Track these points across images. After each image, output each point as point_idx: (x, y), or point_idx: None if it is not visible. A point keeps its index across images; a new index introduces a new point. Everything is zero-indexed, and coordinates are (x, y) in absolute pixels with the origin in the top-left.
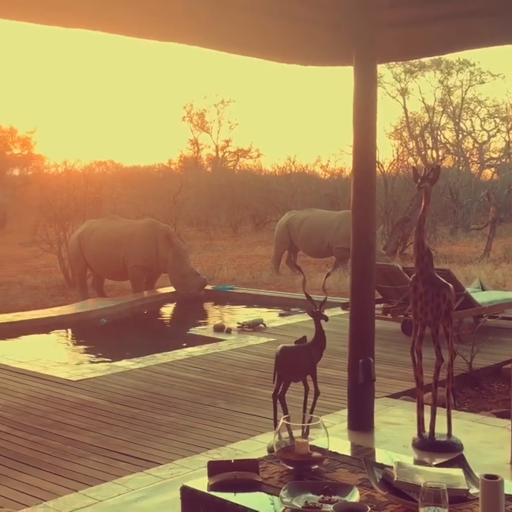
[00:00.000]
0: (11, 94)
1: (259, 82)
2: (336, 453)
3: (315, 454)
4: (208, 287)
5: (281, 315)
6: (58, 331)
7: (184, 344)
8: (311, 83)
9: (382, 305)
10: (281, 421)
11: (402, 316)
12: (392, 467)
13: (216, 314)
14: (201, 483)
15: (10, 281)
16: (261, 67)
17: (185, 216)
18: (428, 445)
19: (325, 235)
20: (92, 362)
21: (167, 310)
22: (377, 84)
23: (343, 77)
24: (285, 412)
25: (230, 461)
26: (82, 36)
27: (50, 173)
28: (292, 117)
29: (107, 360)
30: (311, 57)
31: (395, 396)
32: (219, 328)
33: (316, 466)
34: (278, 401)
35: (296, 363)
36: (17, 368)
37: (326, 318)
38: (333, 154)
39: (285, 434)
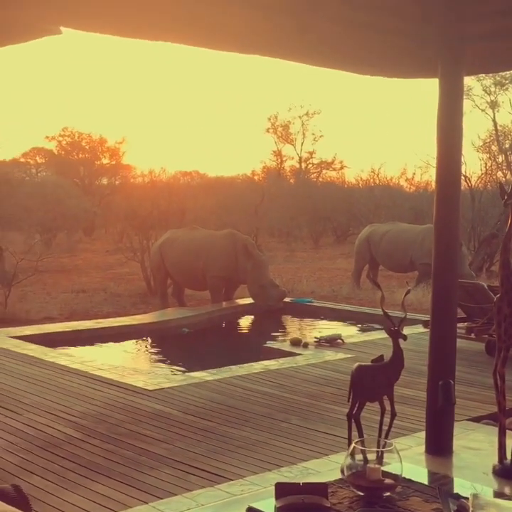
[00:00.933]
0: (101, 104)
1: (345, 93)
2: (409, 480)
3: (387, 480)
4: (287, 299)
5: (360, 330)
6: (137, 339)
7: (260, 357)
8: (398, 94)
9: (465, 324)
10: (352, 444)
11: (486, 336)
12: (468, 498)
13: (293, 327)
14: (268, 504)
15: (95, 288)
16: (347, 77)
17: (267, 227)
18: (509, 473)
19: (408, 250)
20: (168, 371)
21: (245, 321)
22: (463, 97)
23: (430, 87)
24: (359, 432)
25: (299, 483)
26: (169, 48)
27: (137, 183)
28: (377, 129)
29: (183, 370)
30: (396, 69)
31: (476, 420)
32: (296, 342)
33: (388, 494)
34: (353, 421)
35: (372, 382)
36: (95, 375)
37: (405, 338)
38: (418, 167)
39: (359, 457)
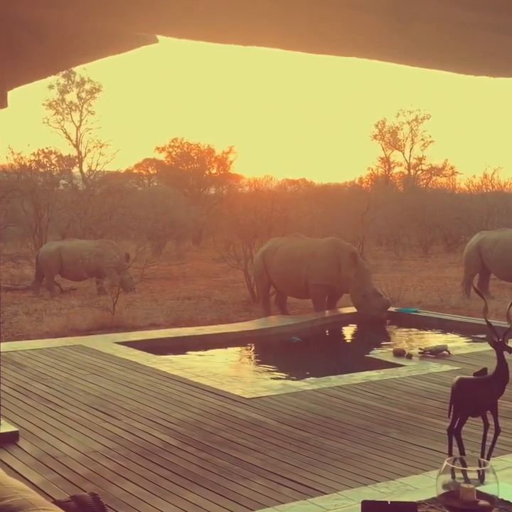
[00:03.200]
0: (208, 114)
1: (455, 96)
2: (507, 502)
3: (482, 502)
4: (392, 309)
5: (468, 342)
6: (238, 346)
7: (362, 367)
8: (509, 95)
9: None
10: (445, 462)
11: None
12: None
13: (397, 338)
14: None
15: (199, 296)
16: (457, 80)
17: (374, 235)
18: None
19: None
20: (266, 380)
21: (348, 331)
22: None
23: None
24: (460, 448)
25: (386, 502)
26: (273, 54)
27: (243, 192)
28: (490, 132)
29: (281, 378)
30: (501, 68)
31: None
32: (399, 353)
33: None
34: (453, 436)
35: (474, 396)
36: (194, 382)
37: (510, 350)
38: None
39: (455, 475)
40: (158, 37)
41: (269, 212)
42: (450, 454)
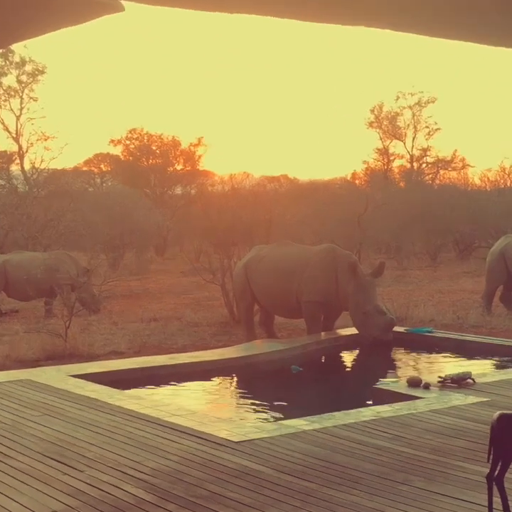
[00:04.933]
0: (173, 101)
1: (466, 76)
2: None
3: None
4: (399, 329)
5: (495, 367)
6: (219, 377)
7: (370, 401)
8: None
9: None
10: None
11: None
12: None
13: (410, 364)
14: None
15: (168, 317)
16: (467, 57)
17: (372, 241)
18: None
19: None
20: (257, 418)
21: (349, 356)
22: None
23: None
24: (503, 500)
25: None
26: (252, 28)
27: (216, 192)
28: (508, 118)
29: (275, 417)
30: None
31: None
32: (414, 383)
33: None
34: (494, 484)
35: None
36: (170, 423)
37: None
38: None
39: None
40: (125, 4)
41: (249, 215)
42: (490, 506)
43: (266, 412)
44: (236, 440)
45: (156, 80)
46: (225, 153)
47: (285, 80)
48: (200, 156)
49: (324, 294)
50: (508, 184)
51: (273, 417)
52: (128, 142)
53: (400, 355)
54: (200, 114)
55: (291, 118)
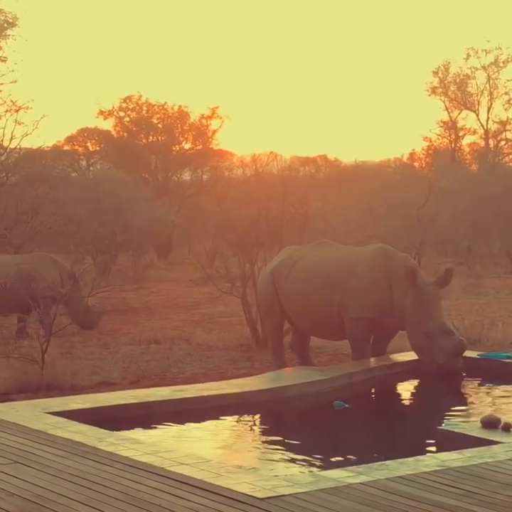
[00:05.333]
0: (182, 60)
1: None
2: None
3: None
4: (471, 354)
5: None
6: (239, 416)
7: (433, 447)
8: None
9: None
10: None
11: None
12: None
13: (485, 399)
14: None
15: (173, 338)
16: None
17: (436, 240)
18: None
19: None
20: (288, 468)
21: (405, 388)
22: None
23: None
24: None
25: None
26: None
27: (234, 177)
28: None
29: (310, 466)
30: None
31: None
32: (491, 423)
33: None
34: None
35: None
36: (175, 474)
37: None
38: None
39: None
40: None
41: (278, 208)
42: None
43: (299, 461)
44: (261, 496)
45: (157, 35)
46: (246, 128)
47: (323, 35)
48: (214, 132)
49: (374, 308)
50: None
51: (308, 467)
52: (122, 114)
53: (472, 388)
54: (214, 79)
55: (330, 83)
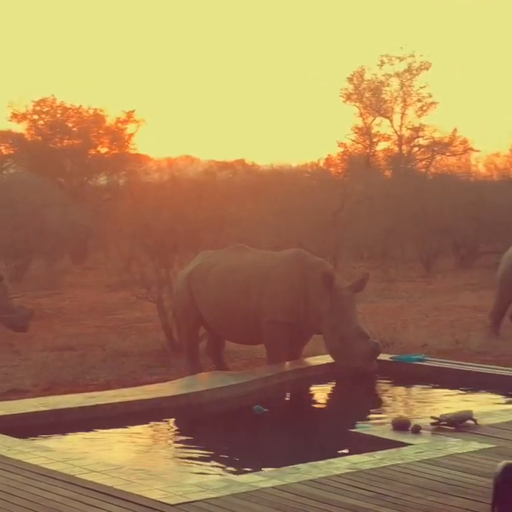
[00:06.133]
0: (98, 61)
1: (471, 36)
2: None
3: None
4: (384, 357)
5: (503, 406)
6: (152, 422)
7: (345, 449)
8: None
9: None
10: None
11: None
12: None
13: (397, 401)
14: None
15: (88, 344)
16: (470, 9)
17: (351, 244)
18: None
19: None
20: (200, 474)
21: (320, 392)
22: None
23: None
24: None
25: None
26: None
27: (151, 181)
28: None
29: (223, 471)
30: None
31: None
32: (401, 425)
33: None
34: None
35: None
36: (87, 482)
37: None
38: None
39: None
40: None
41: (195, 212)
42: None
43: (212, 466)
44: (172, 502)
45: (72, 37)
46: (162, 132)
47: (240, 38)
48: (130, 136)
49: (291, 312)
50: None
51: (221, 472)
52: (36, 117)
53: (385, 390)
54: (130, 82)
55: (248, 88)
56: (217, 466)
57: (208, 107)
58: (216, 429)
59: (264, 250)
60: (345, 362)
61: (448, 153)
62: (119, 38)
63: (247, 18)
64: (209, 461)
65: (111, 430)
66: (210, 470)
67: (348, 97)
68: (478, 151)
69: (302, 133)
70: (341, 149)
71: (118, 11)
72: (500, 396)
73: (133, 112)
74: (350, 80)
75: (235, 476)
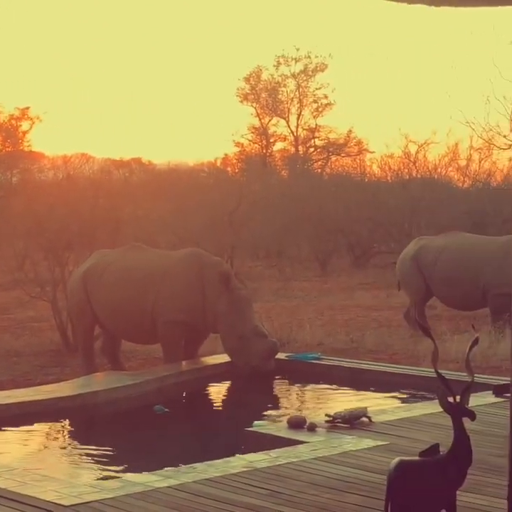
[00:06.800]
0: None
1: (366, 36)
2: None
3: None
4: (281, 356)
5: (396, 403)
6: (46, 423)
7: (241, 447)
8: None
9: None
10: None
11: None
12: None
13: (293, 400)
14: None
15: None
16: (366, 9)
17: (248, 244)
18: None
19: (480, 275)
20: (95, 475)
21: (217, 391)
22: None
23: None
24: None
25: None
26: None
27: (45, 179)
28: (415, 92)
29: (119, 472)
30: None
31: None
32: (296, 423)
33: None
34: None
35: (422, 487)
36: None
37: (472, 416)
38: (477, 149)
39: None
40: None
41: (90, 211)
42: None
43: (107, 467)
44: (67, 503)
45: None
46: (58, 129)
47: (137, 37)
48: (24, 133)
49: (188, 312)
50: (414, 174)
51: (116, 472)
52: None
53: (281, 389)
54: (24, 78)
55: (145, 86)
56: (112, 467)
57: (104, 105)
58: (112, 430)
59: (161, 250)
60: (243, 361)
61: (343, 154)
62: (14, 34)
63: (144, 14)
64: (104, 462)
65: (3, 432)
66: (105, 471)
67: (245, 97)
68: (372, 152)
69: (199, 132)
70: (238, 149)
71: (8, 7)
72: (393, 394)
73: (27, 109)
74: (247, 80)
75: (131, 476)
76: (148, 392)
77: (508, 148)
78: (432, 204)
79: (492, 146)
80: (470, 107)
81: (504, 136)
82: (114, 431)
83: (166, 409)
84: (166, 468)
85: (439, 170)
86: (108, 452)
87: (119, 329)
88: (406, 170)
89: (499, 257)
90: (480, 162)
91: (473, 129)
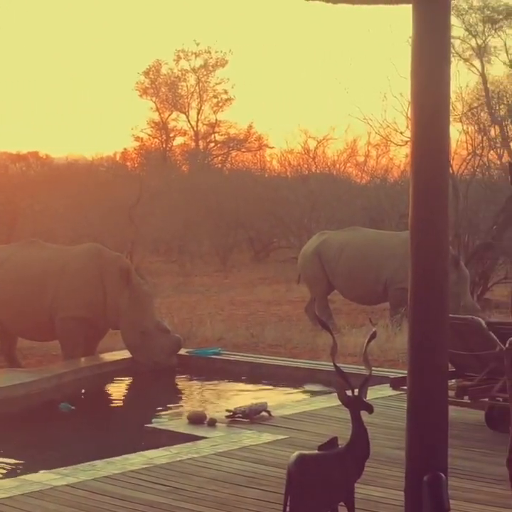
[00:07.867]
0: None
1: (268, 31)
2: None
3: None
4: (182, 351)
5: (296, 397)
6: None
7: (141, 444)
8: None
9: (453, 381)
10: None
11: (486, 399)
12: None
13: (193, 395)
14: None
15: None
16: (268, 8)
17: (148, 239)
18: None
19: (382, 269)
20: None
21: (116, 388)
22: (450, 30)
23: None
24: None
25: None
26: None
27: None
28: (316, 87)
29: (16, 470)
30: None
31: None
32: (196, 419)
33: None
34: None
35: (321, 480)
36: None
37: (370, 409)
38: (374, 145)
39: None
40: None
41: None
42: None
43: (4, 466)
44: None
45: None
46: None
47: (36, 30)
48: None
49: (87, 308)
50: (314, 170)
51: (13, 471)
52: None
53: (181, 385)
54: None
55: (42, 79)
56: (9, 466)
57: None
58: (9, 429)
59: (59, 245)
60: (146, 357)
61: (243, 150)
62: None
63: (46, 9)
64: (1, 461)
65: None
66: (1, 469)
67: (144, 91)
68: (272, 147)
69: (98, 126)
70: (138, 143)
71: None
72: (292, 388)
73: None
74: (146, 73)
75: (28, 474)
76: (46, 389)
77: (405, 145)
78: (331, 199)
79: (389, 142)
80: (368, 103)
81: (401, 133)
82: (11, 430)
83: (73, 407)
84: (64, 467)
85: (337, 166)
86: (3, 451)
87: (16, 326)
88: (305, 165)
89: (401, 252)
90: (377, 158)
91: (371, 126)
